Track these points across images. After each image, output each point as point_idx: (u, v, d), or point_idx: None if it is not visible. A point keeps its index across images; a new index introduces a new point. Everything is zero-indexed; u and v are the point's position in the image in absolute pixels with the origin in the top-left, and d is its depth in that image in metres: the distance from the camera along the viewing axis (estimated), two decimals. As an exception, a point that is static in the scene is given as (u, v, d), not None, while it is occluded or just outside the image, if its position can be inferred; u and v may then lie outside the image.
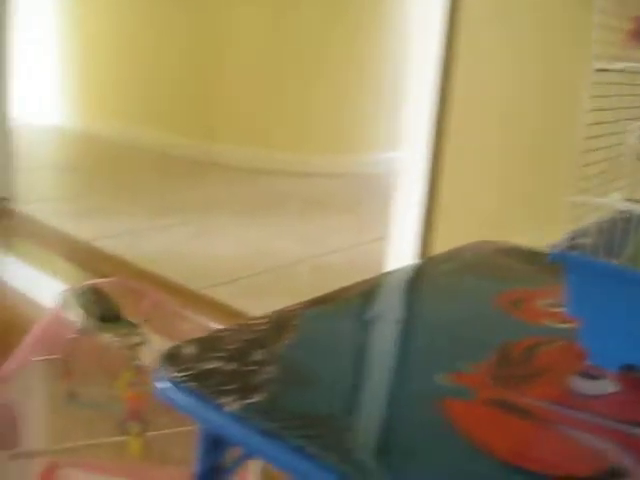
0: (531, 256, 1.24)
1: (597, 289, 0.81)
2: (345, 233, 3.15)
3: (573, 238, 0.83)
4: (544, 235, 1.49)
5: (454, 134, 1.60)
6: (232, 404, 0.68)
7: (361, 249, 2.93)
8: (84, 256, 2.58)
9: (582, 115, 0.74)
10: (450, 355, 0.84)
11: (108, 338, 1.37)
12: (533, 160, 1.53)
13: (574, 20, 1.45)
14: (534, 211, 1.55)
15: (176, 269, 2.45)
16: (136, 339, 1.36)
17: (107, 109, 5.04)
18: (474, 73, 1.57)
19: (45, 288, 2.61)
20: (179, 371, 0.73)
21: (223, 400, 0.68)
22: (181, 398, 0.71)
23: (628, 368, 0.80)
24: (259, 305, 2.13)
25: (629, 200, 0.83)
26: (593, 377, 0.80)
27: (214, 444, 0.76)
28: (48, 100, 5.48)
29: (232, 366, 0.75)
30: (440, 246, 1.62)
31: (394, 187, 1.69)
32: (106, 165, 4.34)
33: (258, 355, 0.78)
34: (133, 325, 1.40)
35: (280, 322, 0.88)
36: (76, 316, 1.41)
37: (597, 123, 0.78)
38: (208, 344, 0.80)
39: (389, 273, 1.17)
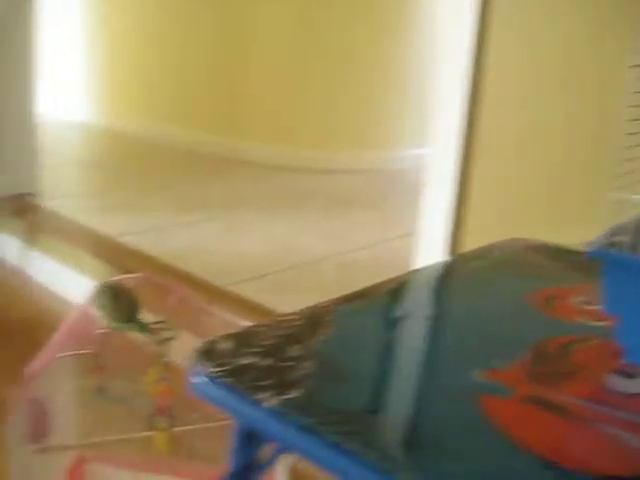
0: (562, 254, 1.23)
1: (634, 287, 0.80)
2: (370, 230, 3.14)
3: (611, 235, 0.82)
4: (574, 233, 1.49)
5: (484, 130, 1.59)
6: (270, 400, 0.67)
7: (386, 246, 2.92)
8: (109, 252, 2.59)
9: (625, 110, 0.74)
10: (485, 352, 0.84)
11: (137, 334, 1.37)
12: (564, 158, 1.53)
13: (603, 15, 1.44)
14: (564, 208, 1.54)
15: (201, 265, 2.45)
16: (165, 335, 1.36)
17: (133, 106, 5.06)
18: (505, 69, 1.56)
19: (70, 283, 2.63)
20: (215, 366, 0.73)
21: (261, 396, 0.68)
22: (217, 393, 0.71)
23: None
24: (285, 301, 2.14)
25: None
26: (629, 375, 0.79)
27: (249, 440, 0.76)
28: (74, 97, 5.51)
29: (268, 362, 0.75)
30: (469, 243, 1.62)
31: (422, 183, 1.68)
32: (132, 162, 4.35)
33: (294, 351, 0.78)
34: (144, 326, 1.40)
35: (314, 318, 0.87)
36: (99, 313, 1.41)
37: (636, 119, 0.78)
38: (243, 339, 0.80)
39: (420, 270, 1.17)
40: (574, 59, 1.50)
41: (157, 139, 4.74)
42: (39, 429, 1.31)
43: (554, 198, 1.55)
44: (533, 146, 1.56)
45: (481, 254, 1.21)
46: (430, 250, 1.65)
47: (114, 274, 2.40)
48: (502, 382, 0.75)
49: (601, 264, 0.81)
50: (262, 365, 0.74)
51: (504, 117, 1.58)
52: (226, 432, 1.44)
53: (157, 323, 1.38)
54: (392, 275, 1.05)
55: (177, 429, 1.40)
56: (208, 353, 0.76)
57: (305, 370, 0.74)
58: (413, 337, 0.89)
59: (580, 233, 1.47)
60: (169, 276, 2.17)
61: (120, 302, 1.40)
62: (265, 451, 0.78)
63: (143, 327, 1.39)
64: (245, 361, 0.75)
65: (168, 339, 1.36)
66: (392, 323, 0.91)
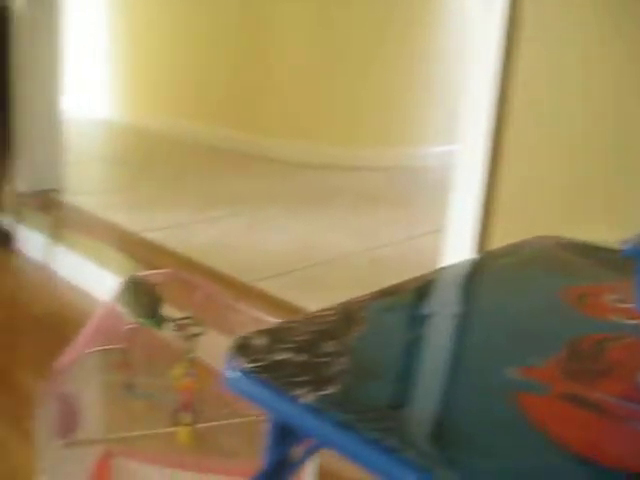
0: (592, 251, 1.23)
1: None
2: (395, 227, 3.14)
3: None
4: (601, 231, 1.48)
5: (513, 127, 1.58)
6: (307, 396, 0.67)
7: (412, 243, 2.92)
8: (133, 247, 2.59)
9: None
10: (519, 349, 0.83)
11: (166, 329, 1.38)
12: (593, 156, 1.52)
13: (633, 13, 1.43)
14: (591, 206, 1.53)
15: (226, 262, 2.45)
16: (193, 330, 1.36)
17: (156, 102, 5.08)
18: (536, 68, 1.55)
19: (94, 278, 2.64)
20: (250, 362, 0.73)
21: (297, 392, 0.68)
22: (253, 389, 0.71)
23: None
24: (310, 298, 2.14)
25: None
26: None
27: (282, 436, 0.76)
28: (97, 93, 5.53)
29: (303, 357, 0.75)
30: (496, 241, 1.61)
31: (449, 181, 1.68)
32: (155, 158, 4.36)
33: (328, 347, 0.78)
34: (164, 321, 1.39)
35: (347, 314, 0.87)
36: (124, 308, 1.41)
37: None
38: (277, 335, 0.80)
39: (450, 267, 1.16)
40: (604, 59, 1.49)
41: (180, 136, 4.75)
42: (67, 424, 1.31)
43: (582, 196, 1.54)
44: (561, 144, 1.55)
45: (511, 251, 1.20)
46: (458, 247, 1.65)
47: (138, 269, 2.41)
48: (538, 380, 0.75)
49: (636, 262, 0.80)
50: (297, 361, 0.74)
51: (533, 115, 1.57)
52: (249, 429, 1.44)
53: (184, 319, 1.38)
54: (418, 272, 1.04)
55: (200, 425, 1.40)
56: (242, 349, 0.76)
57: (341, 366, 0.74)
58: (446, 334, 0.88)
59: (606, 232, 1.47)
60: (194, 272, 2.18)
61: (143, 297, 1.40)
62: (298, 448, 0.78)
63: (163, 322, 1.39)
64: (280, 357, 0.75)
65: (195, 335, 1.36)
66: (425, 320, 0.91)
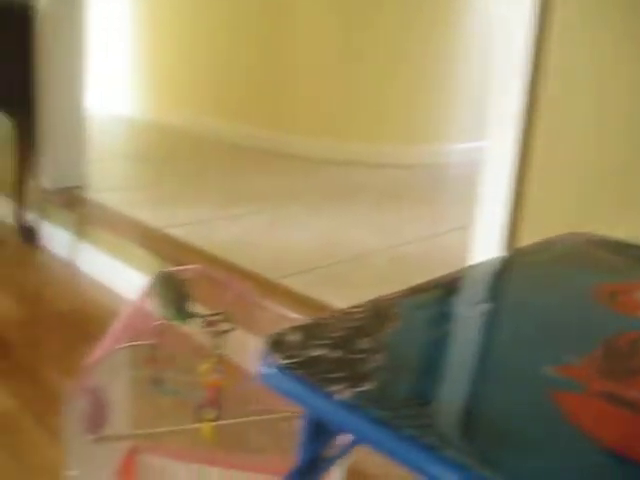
0: (623, 248, 1.22)
1: None
2: (420, 223, 3.13)
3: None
4: (636, 227, 1.47)
5: (543, 123, 1.57)
6: (343, 392, 0.67)
7: (437, 240, 2.91)
8: (157, 244, 2.60)
9: None
10: (554, 347, 0.83)
11: (195, 325, 1.38)
12: (624, 152, 1.50)
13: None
14: (624, 203, 1.52)
15: (250, 258, 2.45)
16: (222, 327, 1.36)
17: (178, 99, 5.09)
18: (566, 62, 1.54)
19: (119, 275, 2.65)
20: (285, 358, 0.73)
21: (333, 388, 0.67)
22: (288, 385, 0.71)
23: None
24: (335, 295, 2.14)
25: None
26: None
27: (317, 433, 0.75)
28: (120, 90, 5.55)
29: (338, 354, 0.75)
30: (525, 238, 1.60)
31: (477, 177, 1.67)
32: (177, 155, 4.37)
33: (363, 343, 0.77)
34: (190, 317, 1.39)
35: (379, 311, 0.87)
36: (154, 302, 1.42)
37: None
38: (311, 332, 0.80)
39: (480, 263, 1.16)
40: (635, 56, 1.48)
41: (203, 133, 4.76)
42: (95, 419, 1.32)
43: (613, 192, 1.53)
44: (592, 140, 1.54)
45: (541, 248, 1.19)
46: (486, 245, 1.64)
47: (162, 266, 2.41)
48: (574, 378, 0.74)
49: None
50: (332, 357, 0.74)
51: (563, 111, 1.56)
52: (275, 426, 1.44)
53: (214, 315, 1.38)
54: (443, 269, 1.04)
55: (226, 421, 1.40)
56: (277, 345, 0.75)
57: (376, 362, 0.74)
58: (479, 331, 0.88)
59: (639, 229, 1.46)
60: (218, 269, 2.18)
61: (173, 292, 1.40)
62: (332, 446, 0.78)
63: (189, 318, 1.39)
64: (314, 353, 0.74)
65: (224, 332, 1.36)
66: (458, 316, 0.90)
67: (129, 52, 5.49)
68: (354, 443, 0.79)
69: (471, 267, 1.19)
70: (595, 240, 1.25)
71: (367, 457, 1.69)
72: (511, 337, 0.86)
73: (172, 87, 5.15)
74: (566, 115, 1.56)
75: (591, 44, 1.52)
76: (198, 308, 1.42)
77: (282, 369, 0.72)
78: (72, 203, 3.00)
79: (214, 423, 1.36)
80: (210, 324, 1.37)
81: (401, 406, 0.66)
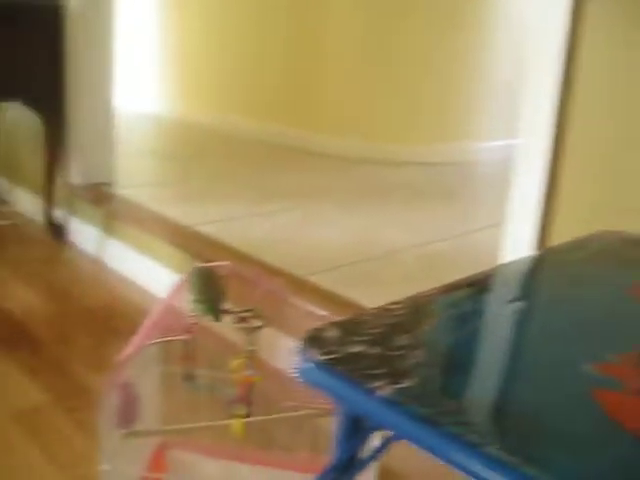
0: (659, 247, 1.21)
1: None
2: (450, 221, 3.12)
3: None
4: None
5: (576, 121, 1.56)
6: (384, 388, 0.66)
7: (467, 238, 2.90)
8: (185, 240, 2.60)
9: None
10: (592, 345, 0.82)
11: (227, 322, 1.38)
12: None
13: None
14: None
15: (279, 256, 2.45)
16: (254, 323, 1.36)
17: (207, 97, 5.10)
18: (600, 59, 1.53)
19: (147, 271, 2.66)
20: (323, 354, 0.73)
21: (374, 384, 0.67)
22: (327, 381, 0.70)
23: None
24: (365, 293, 2.14)
25: None
26: None
27: (354, 430, 0.75)
28: (148, 88, 5.57)
29: (376, 350, 0.74)
30: (558, 235, 1.59)
31: (509, 175, 1.66)
32: (206, 152, 4.38)
33: (402, 340, 0.77)
34: (222, 314, 1.39)
35: (416, 308, 0.86)
36: (189, 300, 1.42)
37: None
38: (349, 328, 0.79)
39: (515, 261, 1.15)
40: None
41: (231, 131, 4.77)
42: (127, 414, 1.32)
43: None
44: (625, 138, 1.52)
45: (575, 247, 1.19)
46: (518, 243, 1.63)
47: (191, 263, 2.42)
48: (614, 376, 0.74)
49: None
50: (371, 353, 0.73)
51: (596, 109, 1.54)
52: (306, 423, 1.44)
53: (246, 312, 1.38)
54: (474, 267, 1.03)
55: (256, 418, 1.40)
56: (315, 340, 0.75)
57: (416, 359, 0.73)
58: (516, 328, 0.87)
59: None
60: (248, 266, 2.18)
61: (208, 288, 1.40)
62: (369, 443, 0.77)
63: (222, 315, 1.39)
64: (353, 349, 0.74)
65: (256, 328, 1.36)
66: (493, 314, 0.90)
67: (157, 50, 5.50)
68: (390, 441, 0.79)
69: (505, 265, 1.18)
70: (629, 238, 1.23)
71: (399, 456, 1.69)
72: (548, 335, 0.85)
73: (200, 85, 5.16)
74: (599, 113, 1.55)
75: (624, 42, 1.51)
76: (229, 305, 1.43)
77: (320, 365, 0.71)
78: (100, 199, 3.02)
79: (245, 419, 1.35)
80: (242, 320, 1.37)
81: (442, 403, 0.66)
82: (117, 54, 3.12)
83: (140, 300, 2.58)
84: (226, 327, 1.39)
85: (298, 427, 1.46)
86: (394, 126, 4.38)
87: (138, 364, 1.34)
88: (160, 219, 2.81)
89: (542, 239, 1.61)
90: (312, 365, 0.72)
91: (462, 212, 3.30)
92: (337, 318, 0.83)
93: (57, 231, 3.14)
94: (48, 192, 3.08)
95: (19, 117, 3.39)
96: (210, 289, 1.38)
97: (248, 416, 1.38)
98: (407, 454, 1.74)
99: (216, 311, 1.38)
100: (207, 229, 2.71)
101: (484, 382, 0.72)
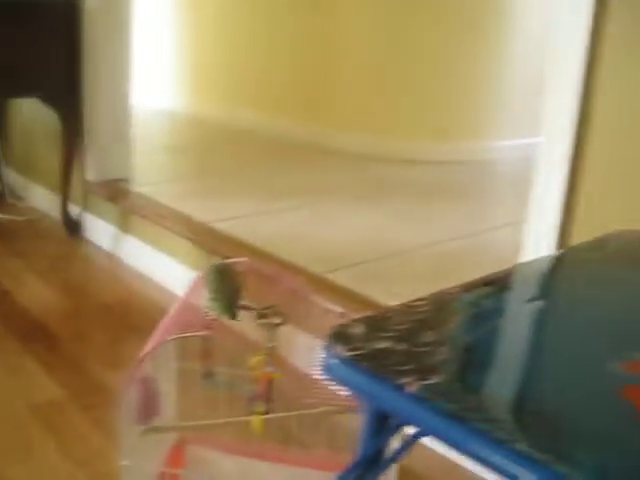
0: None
1: None
2: (464, 220, 3.11)
3: None
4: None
5: (597, 121, 1.55)
6: (412, 385, 0.66)
7: (481, 237, 2.89)
8: (201, 237, 2.60)
9: None
10: (617, 344, 0.81)
11: (244, 319, 1.38)
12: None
13: None
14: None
15: (293, 253, 2.45)
16: (274, 320, 1.36)
17: (220, 94, 5.10)
18: (621, 57, 1.52)
19: (163, 268, 2.66)
20: (349, 350, 0.72)
21: (402, 380, 0.67)
22: (353, 377, 0.70)
23: None
24: (377, 290, 2.13)
25: None
26: None
27: (379, 427, 0.75)
28: (161, 84, 5.57)
29: (402, 347, 0.74)
30: (578, 236, 1.59)
31: (529, 174, 1.65)
32: (220, 149, 4.38)
33: (428, 336, 0.77)
34: (237, 312, 1.39)
35: (440, 304, 0.86)
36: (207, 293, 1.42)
37: None
38: (374, 324, 0.79)
39: (535, 261, 1.15)
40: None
41: (245, 127, 4.77)
42: (146, 411, 1.32)
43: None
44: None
45: (595, 245, 1.18)
46: (538, 242, 1.62)
47: (206, 259, 2.42)
48: (640, 374, 0.73)
49: None
50: (397, 350, 0.73)
51: (618, 108, 1.54)
52: (324, 421, 1.44)
53: (266, 309, 1.38)
54: (488, 266, 1.03)
55: (276, 415, 1.39)
56: (340, 337, 0.75)
57: (442, 356, 0.73)
58: (540, 326, 0.87)
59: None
60: (265, 263, 2.18)
61: (225, 285, 1.40)
62: (394, 440, 0.77)
63: (238, 313, 1.39)
64: (379, 345, 0.74)
65: (276, 325, 1.36)
66: (516, 312, 0.89)
67: (171, 47, 5.51)
68: (413, 440, 0.79)
69: (526, 264, 1.17)
70: (650, 237, 1.23)
71: (418, 456, 1.69)
72: (570, 333, 0.85)
73: (214, 81, 5.16)
74: (621, 112, 1.54)
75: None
76: (249, 301, 1.42)
77: (346, 361, 0.71)
78: (116, 196, 3.02)
79: (265, 416, 1.35)
80: (262, 317, 1.37)
81: (468, 399, 0.66)
82: (134, 51, 3.13)
83: (156, 297, 2.58)
84: (245, 324, 1.38)
85: (316, 424, 1.46)
86: (406, 123, 4.37)
87: (157, 360, 1.34)
88: (176, 215, 2.81)
89: (562, 238, 1.60)
90: (338, 361, 0.71)
91: (475, 211, 3.29)
92: (355, 315, 0.83)
93: (73, 227, 3.15)
94: (64, 188, 3.09)
95: (36, 113, 3.40)
96: (226, 287, 1.38)
97: (267, 413, 1.38)
98: (426, 454, 1.74)
99: (231, 310, 1.37)
100: (221, 226, 2.71)
101: (508, 379, 0.72)
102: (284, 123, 4.63)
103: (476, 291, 0.93)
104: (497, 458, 0.59)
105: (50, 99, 2.98)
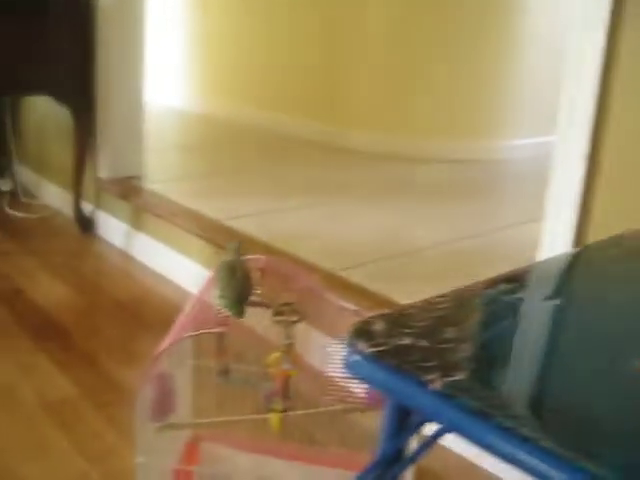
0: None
1: None
2: (478, 219, 3.10)
3: None
4: None
5: (614, 119, 1.55)
6: (436, 381, 0.65)
7: (494, 235, 2.88)
8: (214, 234, 2.60)
9: None
10: (636, 341, 0.81)
11: (263, 315, 1.37)
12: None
13: None
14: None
15: (307, 250, 2.44)
16: (291, 317, 1.35)
17: (231, 91, 5.10)
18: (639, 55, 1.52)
19: (175, 265, 2.66)
20: (371, 346, 0.72)
21: (426, 377, 0.66)
22: (376, 373, 0.70)
23: None
24: (394, 289, 2.13)
25: None
26: None
27: (401, 424, 0.74)
28: (174, 83, 5.58)
29: (424, 343, 0.73)
30: (594, 234, 1.58)
31: (546, 173, 1.64)
32: (230, 147, 4.38)
33: (449, 333, 0.76)
34: (245, 310, 1.38)
35: (461, 301, 0.85)
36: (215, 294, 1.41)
37: None
38: (396, 321, 0.79)
39: (552, 258, 1.14)
40: None
41: (258, 126, 4.77)
42: (162, 408, 1.32)
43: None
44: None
45: (613, 244, 1.17)
46: (556, 240, 1.62)
47: (219, 257, 2.41)
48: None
49: None
50: (420, 346, 0.73)
51: (636, 105, 1.53)
52: (341, 419, 1.43)
53: (283, 305, 1.38)
54: (502, 264, 1.03)
55: (293, 413, 1.39)
56: (362, 333, 0.74)
57: (464, 353, 0.72)
58: (559, 324, 0.86)
59: None
60: (279, 260, 2.17)
61: (234, 282, 1.39)
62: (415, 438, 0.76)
63: (245, 311, 1.38)
64: (401, 342, 0.73)
65: (294, 321, 1.36)
66: (536, 309, 0.89)
67: (182, 46, 5.51)
68: (434, 438, 0.78)
69: (543, 262, 1.17)
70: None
71: (435, 455, 1.68)
72: (591, 331, 0.84)
73: (225, 80, 5.16)
74: (637, 111, 1.53)
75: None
76: (265, 298, 1.42)
77: (369, 357, 0.70)
78: (129, 193, 3.02)
79: (283, 414, 1.35)
80: (279, 314, 1.36)
81: (491, 396, 0.65)
82: (147, 50, 3.13)
83: (169, 294, 2.58)
84: (258, 320, 1.38)
85: (331, 423, 1.45)
86: (420, 122, 4.36)
87: (173, 357, 1.33)
88: (188, 213, 2.81)
89: (578, 237, 1.60)
90: (360, 358, 0.71)
91: (489, 209, 3.28)
92: (369, 313, 0.82)
93: (86, 225, 3.16)
94: (77, 186, 3.09)
95: (49, 111, 3.40)
96: (235, 283, 1.37)
97: (285, 410, 1.37)
98: (444, 454, 1.74)
99: (238, 307, 1.36)
100: (233, 223, 2.71)
101: (530, 376, 0.72)
102: (298, 121, 4.62)
103: (496, 288, 0.92)
104: (524, 456, 0.58)
105: (63, 97, 2.98)
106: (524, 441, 0.59)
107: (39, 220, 3.29)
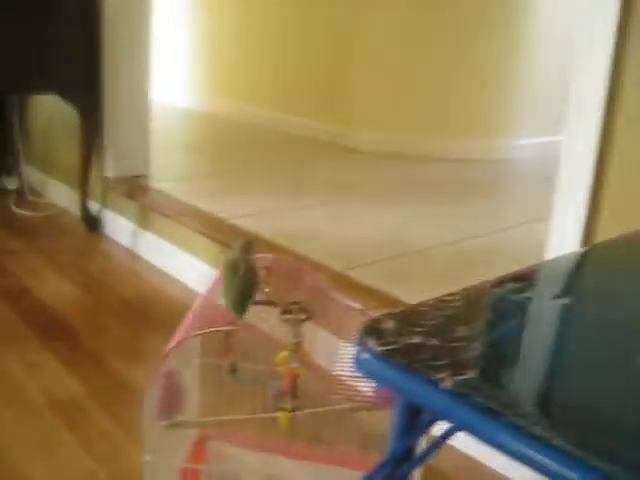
0: None
1: None
2: (482, 218, 3.10)
3: None
4: None
5: (622, 118, 1.54)
6: (447, 380, 0.65)
7: (501, 235, 2.88)
8: (220, 233, 2.60)
9: None
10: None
11: (271, 314, 1.37)
12: None
13: None
14: None
15: (314, 249, 2.44)
16: (300, 316, 1.35)
17: (236, 91, 5.10)
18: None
19: (181, 264, 2.66)
20: (381, 345, 0.72)
21: (437, 376, 0.66)
22: (386, 372, 0.69)
23: None
24: (401, 289, 2.12)
25: None
26: None
27: (411, 422, 0.74)
28: (179, 82, 5.58)
29: (434, 342, 0.73)
30: (602, 233, 1.57)
31: (554, 172, 1.64)
32: (236, 146, 4.38)
33: (460, 331, 0.76)
34: (246, 310, 1.38)
35: (472, 300, 0.85)
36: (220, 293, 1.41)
37: None
38: (406, 319, 0.78)
39: (561, 257, 1.14)
40: None
41: (263, 125, 4.77)
42: (171, 406, 1.32)
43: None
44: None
45: (621, 243, 1.17)
46: (563, 239, 1.61)
47: (225, 255, 2.41)
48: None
49: None
50: (430, 345, 0.72)
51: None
52: (349, 418, 1.43)
53: (292, 304, 1.37)
54: (509, 263, 1.02)
55: (301, 412, 1.39)
56: (372, 331, 0.74)
57: (475, 351, 0.72)
58: (568, 322, 0.86)
59: None
60: (286, 259, 2.17)
61: (236, 281, 1.39)
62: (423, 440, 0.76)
63: (246, 310, 1.38)
64: (412, 340, 0.73)
65: (302, 320, 1.35)
66: (545, 308, 0.89)
67: (188, 45, 5.52)
68: (444, 438, 0.78)
69: (552, 261, 1.17)
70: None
71: (443, 455, 1.68)
72: (600, 330, 0.84)
73: (231, 79, 5.17)
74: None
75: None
76: (271, 297, 1.42)
77: (379, 356, 0.70)
78: (135, 192, 3.02)
79: (291, 412, 1.35)
80: (287, 313, 1.36)
81: (502, 394, 0.65)
82: (153, 50, 3.13)
83: (175, 293, 2.58)
84: (266, 319, 1.38)
85: (340, 421, 1.45)
86: (422, 121, 4.36)
87: (180, 356, 1.33)
88: (195, 212, 2.81)
89: (587, 236, 1.59)
90: (370, 356, 0.71)
91: (494, 209, 3.28)
92: (376, 312, 0.82)
93: (92, 224, 3.16)
94: (84, 185, 3.10)
95: (55, 109, 3.41)
96: (237, 283, 1.36)
97: (293, 409, 1.37)
98: (452, 454, 1.74)
99: (239, 306, 1.36)
100: (239, 222, 2.71)
101: (540, 375, 0.71)
102: (304, 121, 4.63)
103: (505, 287, 0.92)
104: (535, 454, 0.58)
105: (69, 95, 2.98)
106: (535, 440, 0.58)
107: (46, 219, 3.30)
